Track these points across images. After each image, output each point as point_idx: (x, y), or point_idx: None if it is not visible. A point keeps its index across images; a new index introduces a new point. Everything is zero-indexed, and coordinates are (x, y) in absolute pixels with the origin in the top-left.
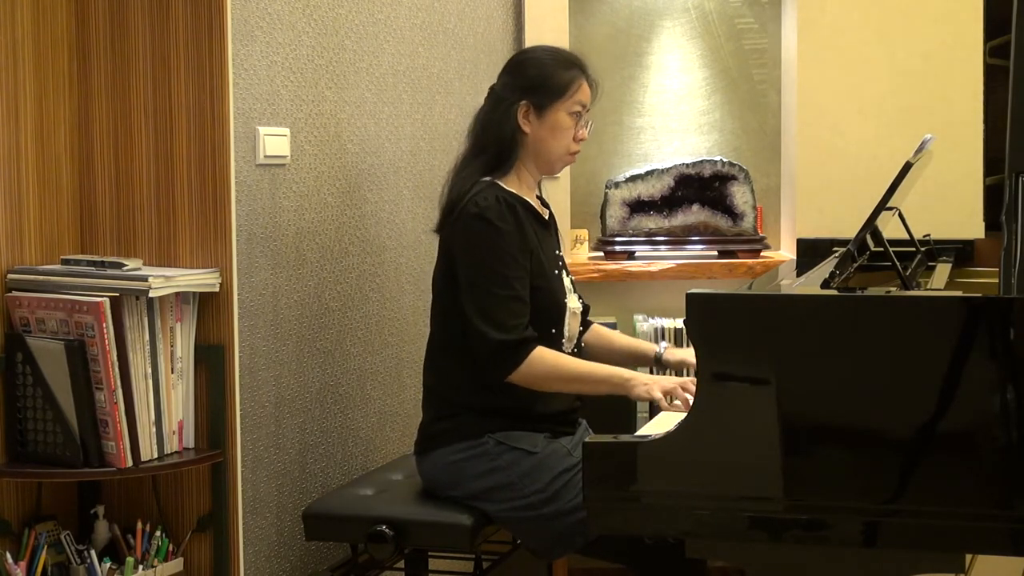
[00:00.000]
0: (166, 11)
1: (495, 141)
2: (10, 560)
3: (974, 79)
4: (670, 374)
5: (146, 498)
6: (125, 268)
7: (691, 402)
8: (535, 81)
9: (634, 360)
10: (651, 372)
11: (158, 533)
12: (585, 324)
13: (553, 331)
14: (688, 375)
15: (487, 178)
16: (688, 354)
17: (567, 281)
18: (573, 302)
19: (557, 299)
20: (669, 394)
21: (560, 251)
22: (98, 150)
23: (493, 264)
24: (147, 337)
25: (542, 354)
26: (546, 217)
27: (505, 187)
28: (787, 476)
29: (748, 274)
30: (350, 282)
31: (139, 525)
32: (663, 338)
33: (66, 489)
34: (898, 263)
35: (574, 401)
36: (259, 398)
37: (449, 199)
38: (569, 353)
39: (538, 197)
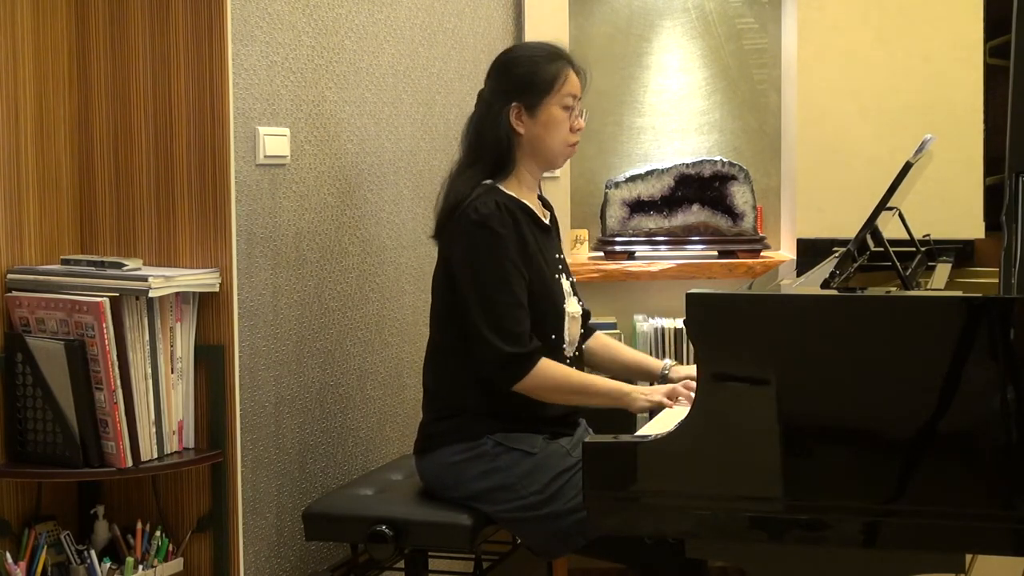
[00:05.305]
0: (166, 11)
1: (491, 147)
2: (10, 560)
3: (974, 79)
4: None
5: (146, 498)
6: (125, 268)
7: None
8: (522, 80)
9: (639, 374)
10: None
11: (158, 533)
12: (587, 329)
13: (553, 336)
14: None
15: (488, 181)
16: (692, 370)
17: (567, 285)
18: (572, 306)
19: (556, 304)
20: (671, 396)
21: (561, 254)
22: (98, 150)
23: (496, 271)
24: (147, 337)
25: (547, 366)
26: (547, 220)
27: (505, 191)
28: (787, 476)
29: (748, 274)
30: (350, 282)
31: (139, 525)
32: (663, 338)
33: (66, 489)
34: (898, 263)
35: (575, 406)
36: (259, 398)
37: (446, 204)
38: (570, 357)
39: (540, 199)
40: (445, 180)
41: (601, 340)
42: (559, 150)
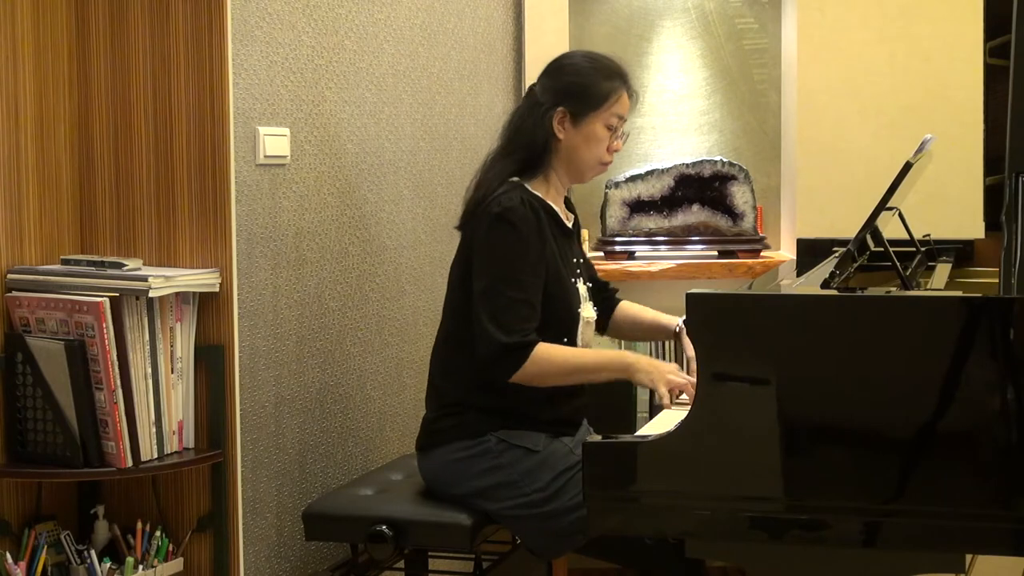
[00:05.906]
0: (166, 11)
1: (527, 144)
2: (10, 560)
3: (974, 79)
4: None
5: (146, 498)
6: (125, 268)
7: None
8: (574, 88)
9: (655, 334)
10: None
11: (158, 533)
12: (614, 302)
13: (565, 340)
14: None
15: (515, 179)
16: None
17: (583, 290)
18: (587, 311)
19: (571, 307)
20: (673, 389)
21: (580, 259)
22: (98, 150)
23: (509, 266)
24: (147, 337)
25: (544, 350)
26: (570, 224)
27: (531, 190)
28: (787, 476)
29: (748, 274)
30: (350, 282)
31: (139, 525)
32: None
33: (66, 489)
34: (898, 263)
35: (580, 407)
36: (259, 398)
37: (475, 196)
38: None
39: (566, 200)
40: (477, 170)
41: (624, 310)
42: (591, 165)
